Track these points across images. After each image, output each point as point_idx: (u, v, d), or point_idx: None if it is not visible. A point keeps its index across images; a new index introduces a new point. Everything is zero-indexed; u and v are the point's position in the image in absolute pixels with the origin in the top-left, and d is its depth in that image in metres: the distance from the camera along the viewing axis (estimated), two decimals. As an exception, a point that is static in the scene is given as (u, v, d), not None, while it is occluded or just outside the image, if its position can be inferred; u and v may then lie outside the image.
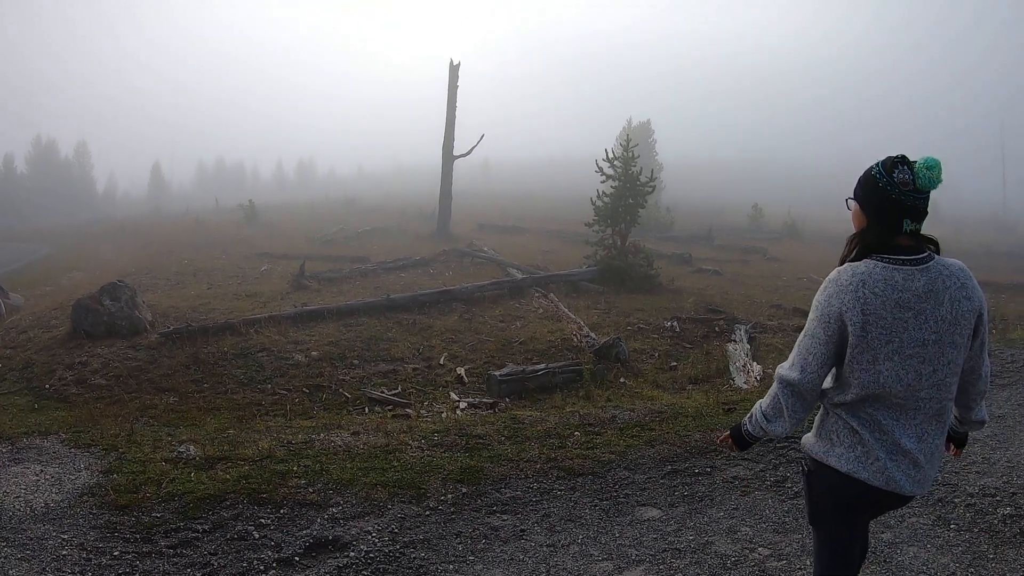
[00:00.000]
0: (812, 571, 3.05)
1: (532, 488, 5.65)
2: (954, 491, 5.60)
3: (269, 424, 7.86)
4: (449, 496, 5.46)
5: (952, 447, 3.13)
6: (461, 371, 10.13)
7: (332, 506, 5.26)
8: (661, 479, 5.88)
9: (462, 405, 8.78)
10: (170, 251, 25.85)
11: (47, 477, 5.86)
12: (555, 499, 5.49)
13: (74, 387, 9.70)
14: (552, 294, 15.34)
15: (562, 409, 8.32)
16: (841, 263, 2.73)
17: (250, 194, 55.39)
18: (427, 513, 5.20)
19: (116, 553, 4.59)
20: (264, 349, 10.76)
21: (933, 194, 2.69)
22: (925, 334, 2.57)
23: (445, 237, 28.66)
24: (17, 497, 5.38)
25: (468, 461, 6.14)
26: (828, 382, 2.81)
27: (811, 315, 2.71)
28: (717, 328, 12.96)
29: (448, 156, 30.41)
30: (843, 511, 2.85)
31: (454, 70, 30.46)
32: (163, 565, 4.48)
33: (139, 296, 12.97)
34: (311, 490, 5.51)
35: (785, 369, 2.78)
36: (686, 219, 39.42)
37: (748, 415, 2.97)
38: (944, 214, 63.62)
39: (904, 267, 2.59)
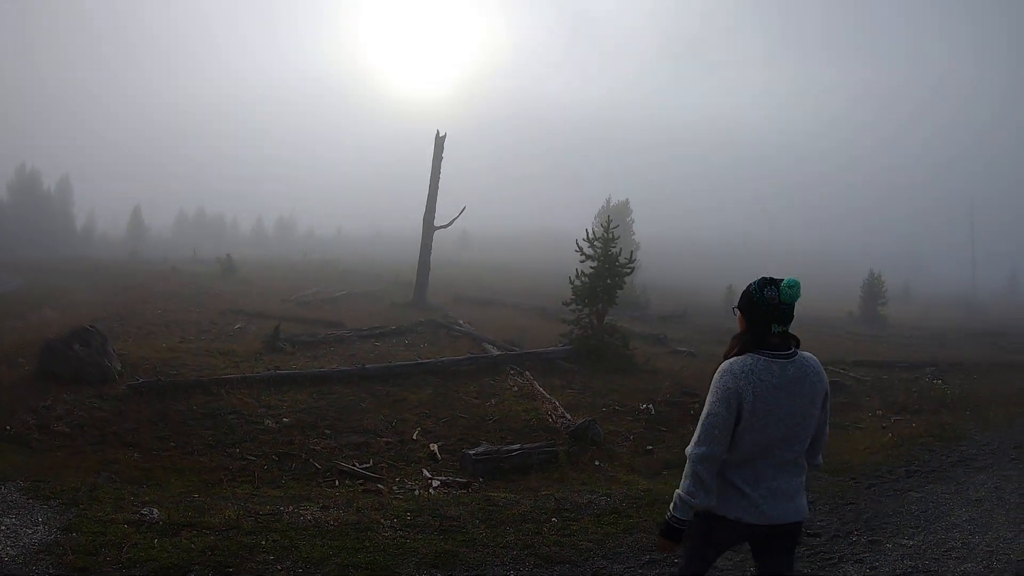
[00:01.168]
0: None
1: (508, 576, 5.50)
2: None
3: (236, 491, 7.65)
4: (423, 582, 5.29)
5: None
6: (434, 447, 9.95)
7: (301, 586, 5.07)
8: (640, 569, 5.75)
9: (435, 483, 8.60)
10: (144, 299, 25.58)
11: (3, 528, 5.64)
12: (531, 589, 5.34)
13: (36, 432, 9.44)
14: (528, 372, 15.21)
15: (537, 492, 8.16)
16: (726, 357, 3.60)
17: (229, 246, 55.38)
18: (400, 600, 5.02)
19: (71, 622, 4.38)
20: (235, 411, 10.56)
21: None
22: (795, 408, 3.48)
23: (422, 307, 28.53)
24: (-31, 549, 5.16)
25: (443, 545, 5.98)
26: None
27: (711, 399, 3.48)
28: (692, 411, 12.82)
29: (429, 227, 30.49)
30: (716, 546, 3.68)
31: (439, 142, 30.77)
32: (120, 640, 4.27)
33: (110, 344, 12.77)
34: (279, 567, 5.32)
35: (697, 447, 3.48)
36: (661, 298, 39.54)
37: (671, 506, 3.54)
38: (914, 294, 64.50)
39: (779, 360, 3.49)
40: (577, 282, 18.44)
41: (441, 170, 30.73)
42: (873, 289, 41.45)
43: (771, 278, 3.56)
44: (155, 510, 6.33)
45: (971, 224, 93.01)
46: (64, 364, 11.71)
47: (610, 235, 18.65)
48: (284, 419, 10.45)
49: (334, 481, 8.51)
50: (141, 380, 11.69)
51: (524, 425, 11.33)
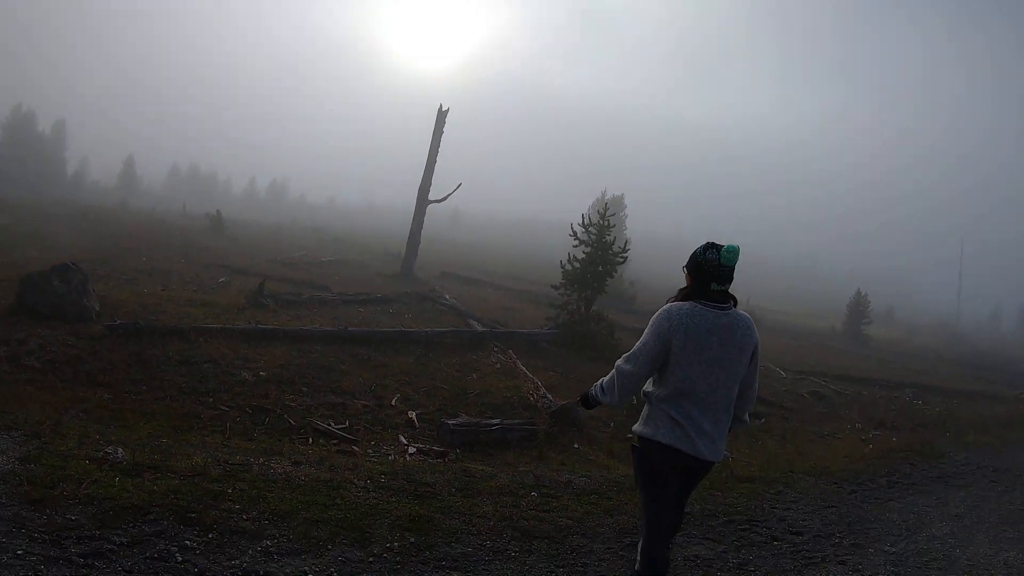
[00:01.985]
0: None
1: (485, 546, 5.29)
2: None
3: (206, 439, 7.43)
4: (396, 544, 5.05)
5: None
6: (412, 415, 9.76)
7: (266, 538, 4.83)
8: (620, 551, 5.56)
9: (411, 450, 8.41)
10: (130, 247, 25.15)
11: (-42, 453, 5.40)
12: (509, 560, 5.14)
13: (5, 364, 9.26)
14: (511, 351, 15.04)
15: (515, 467, 7.98)
16: (670, 300, 4.11)
17: (219, 204, 54.55)
18: (370, 560, 4.78)
19: (20, 552, 4.12)
20: (211, 360, 10.33)
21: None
22: (722, 353, 3.91)
23: (408, 279, 28.26)
24: (-81, 471, 4.92)
25: (417, 509, 5.75)
26: (650, 387, 4.09)
27: (648, 331, 4.00)
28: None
29: (423, 199, 30.15)
30: (661, 473, 4.03)
31: (442, 115, 30.38)
32: (70, 574, 4.03)
33: (90, 284, 12.51)
34: (245, 517, 5.08)
35: (622, 362, 4.11)
36: (648, 294, 39.40)
37: (592, 386, 4.33)
38: (898, 317, 64.86)
39: (713, 309, 3.95)
40: (568, 266, 18.25)
41: (440, 145, 30.39)
42: (859, 308, 41.94)
43: (714, 243, 4.05)
44: (120, 449, 6.09)
45: (960, 256, 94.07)
46: (42, 299, 11.47)
47: (606, 222, 18.45)
48: (261, 373, 10.23)
49: (307, 439, 8.30)
50: (119, 321, 11.42)
51: (504, 402, 11.20)
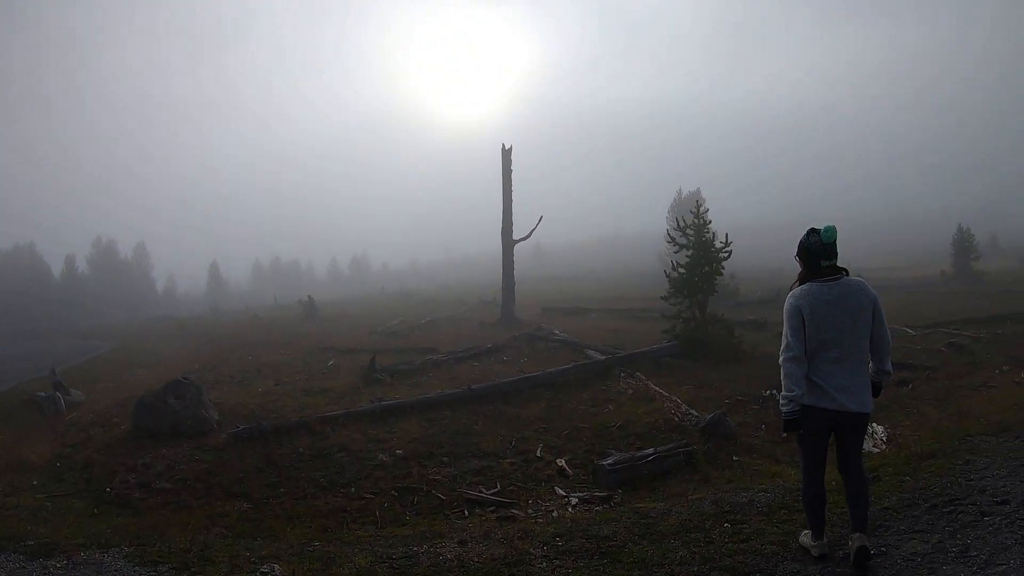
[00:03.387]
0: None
1: (704, 599, 4.60)
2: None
3: (359, 534, 6.94)
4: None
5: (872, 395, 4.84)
6: (562, 462, 9.12)
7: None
8: (836, 567, 4.83)
9: (573, 501, 7.76)
10: (232, 348, 25.44)
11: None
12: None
13: (137, 491, 8.99)
14: (638, 373, 14.37)
15: (686, 497, 7.29)
16: (791, 289, 4.87)
17: (306, 290, 55.42)
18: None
19: None
20: (343, 449, 9.94)
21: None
22: (844, 317, 4.62)
23: (511, 323, 27.86)
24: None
25: (612, 571, 5.09)
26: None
27: (785, 319, 4.75)
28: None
29: (508, 240, 29.83)
30: (813, 431, 4.77)
31: (506, 154, 30.11)
32: None
33: (204, 394, 12.35)
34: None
35: (783, 357, 4.75)
36: (749, 284, 38.13)
37: (781, 408, 4.80)
38: (1004, 245, 61.56)
39: (827, 283, 4.67)
40: (674, 274, 17.53)
41: (512, 183, 30.07)
42: (964, 244, 39.70)
43: (814, 228, 4.79)
44: (275, 566, 5.62)
45: None
46: (159, 419, 11.34)
47: (701, 220, 17.69)
48: (397, 451, 9.77)
49: (463, 511, 7.73)
50: (241, 427, 11.17)
51: (649, 428, 10.51)
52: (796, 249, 4.83)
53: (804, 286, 4.75)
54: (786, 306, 4.78)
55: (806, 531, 5.21)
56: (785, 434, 4.88)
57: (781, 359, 4.78)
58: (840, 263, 4.75)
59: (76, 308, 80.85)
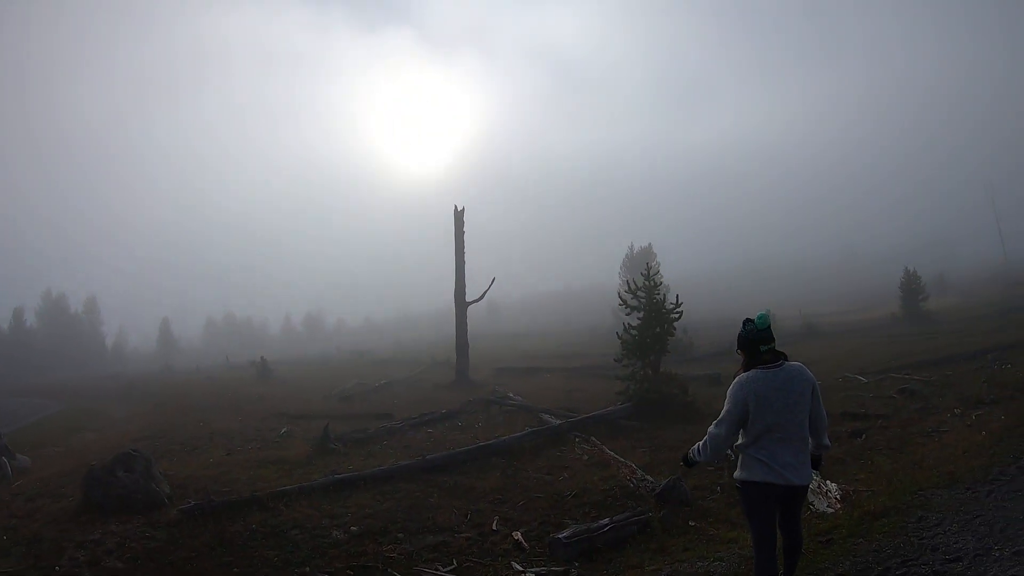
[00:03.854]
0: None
1: None
2: None
3: (315, 618, 6.89)
4: None
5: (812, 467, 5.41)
6: (518, 535, 9.15)
7: None
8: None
9: (529, 577, 7.79)
10: (183, 411, 25.02)
11: None
12: None
13: (87, 570, 8.79)
14: (593, 437, 14.48)
15: (642, 568, 7.45)
16: (736, 375, 5.31)
17: (260, 348, 55.11)
18: None
19: None
20: (297, 526, 9.85)
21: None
22: (787, 401, 5.10)
23: (466, 385, 27.85)
24: None
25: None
26: (739, 439, 5.29)
27: (728, 401, 5.21)
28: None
29: (461, 302, 29.97)
30: (763, 504, 5.21)
31: (459, 216, 30.38)
32: None
33: (155, 466, 12.18)
34: None
35: (713, 428, 5.29)
36: (703, 337, 38.52)
37: (690, 449, 5.56)
38: (950, 283, 62.99)
39: (771, 370, 5.17)
40: (626, 335, 17.76)
41: (464, 244, 30.27)
42: (911, 286, 40.45)
43: (748, 318, 5.34)
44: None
45: (992, 201, 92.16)
46: (109, 492, 11.14)
47: (651, 282, 18.04)
48: (352, 528, 9.70)
49: (419, 592, 7.72)
50: (192, 503, 10.99)
51: (604, 496, 10.60)
52: (736, 342, 5.39)
53: (749, 373, 5.21)
54: (731, 391, 5.22)
55: None
56: (682, 463, 5.76)
57: (710, 430, 5.30)
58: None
59: (22, 365, 79.09)
